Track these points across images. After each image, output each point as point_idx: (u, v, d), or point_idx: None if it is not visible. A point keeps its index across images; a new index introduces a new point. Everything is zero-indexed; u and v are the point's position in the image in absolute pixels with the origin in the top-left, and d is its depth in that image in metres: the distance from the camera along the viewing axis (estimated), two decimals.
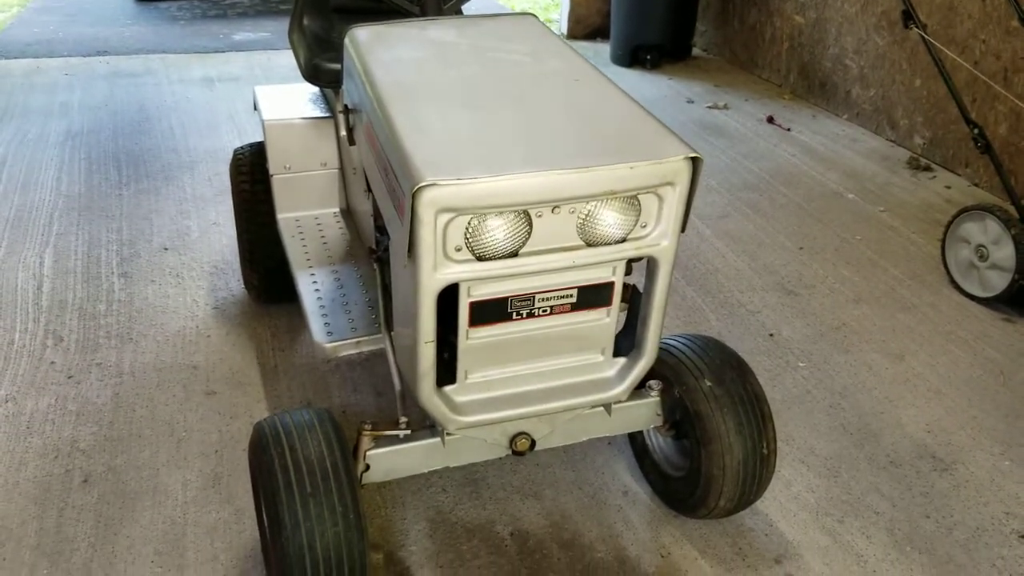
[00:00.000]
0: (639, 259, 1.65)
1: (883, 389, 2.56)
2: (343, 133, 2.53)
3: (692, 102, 4.97)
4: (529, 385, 1.73)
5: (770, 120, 4.70)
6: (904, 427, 2.40)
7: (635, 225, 1.58)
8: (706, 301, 2.99)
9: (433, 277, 1.50)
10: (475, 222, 1.48)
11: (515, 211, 1.49)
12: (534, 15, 2.12)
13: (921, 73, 4.17)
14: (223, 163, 3.94)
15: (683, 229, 1.61)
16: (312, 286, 2.24)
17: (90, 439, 2.30)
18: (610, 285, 1.66)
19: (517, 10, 6.24)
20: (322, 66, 2.42)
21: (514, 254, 1.53)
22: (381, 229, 2.21)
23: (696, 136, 4.46)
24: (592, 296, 1.66)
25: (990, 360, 2.71)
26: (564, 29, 6.16)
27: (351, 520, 1.61)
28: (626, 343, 1.78)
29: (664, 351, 1.96)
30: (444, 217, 1.45)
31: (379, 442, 1.80)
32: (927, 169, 4.09)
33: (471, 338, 1.63)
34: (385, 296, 2.05)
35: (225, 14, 6.70)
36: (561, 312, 1.65)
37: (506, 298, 1.60)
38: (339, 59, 2.43)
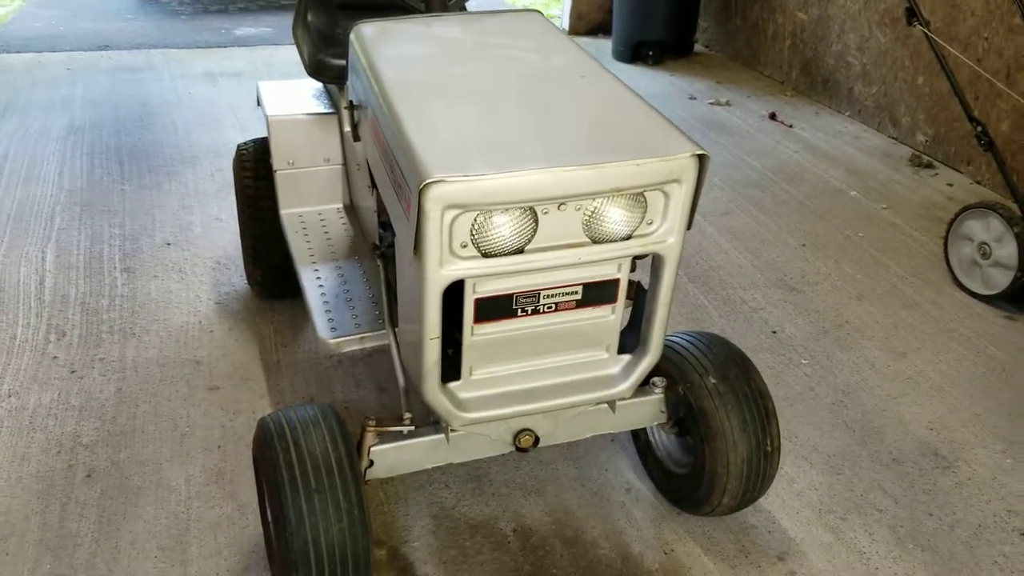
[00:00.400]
0: (644, 256, 1.65)
1: (886, 386, 2.56)
2: (347, 129, 2.53)
3: (694, 98, 4.97)
4: (534, 382, 1.73)
5: (772, 117, 4.69)
6: (907, 424, 2.41)
7: (641, 222, 1.58)
8: (709, 298, 2.99)
9: (439, 273, 1.50)
10: (481, 218, 1.48)
11: (521, 208, 1.49)
12: (539, 11, 2.12)
13: (924, 70, 4.17)
14: (225, 158, 3.94)
15: (689, 226, 1.61)
16: (316, 282, 2.24)
17: (93, 434, 2.30)
18: (615, 282, 1.66)
19: (521, 6, 6.23)
20: (326, 62, 2.41)
21: (520, 251, 1.53)
22: (385, 225, 2.20)
23: (698, 133, 4.46)
24: (597, 293, 1.66)
25: (992, 358, 2.71)
26: (566, 25, 6.15)
27: (355, 516, 1.61)
28: (631, 340, 1.78)
29: (668, 348, 1.96)
30: (451, 213, 1.44)
31: (383, 438, 1.80)
32: (929, 166, 4.09)
33: (476, 334, 1.63)
34: (389, 292, 2.05)
35: (227, 9, 6.69)
36: (566, 309, 1.65)
37: (511, 295, 1.60)
38: (343, 55, 2.42)
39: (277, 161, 2.53)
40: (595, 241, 1.57)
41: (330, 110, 2.59)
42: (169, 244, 3.25)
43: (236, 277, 3.03)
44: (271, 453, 1.67)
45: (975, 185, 3.89)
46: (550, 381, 1.74)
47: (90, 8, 6.62)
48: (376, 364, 2.59)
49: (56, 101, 4.69)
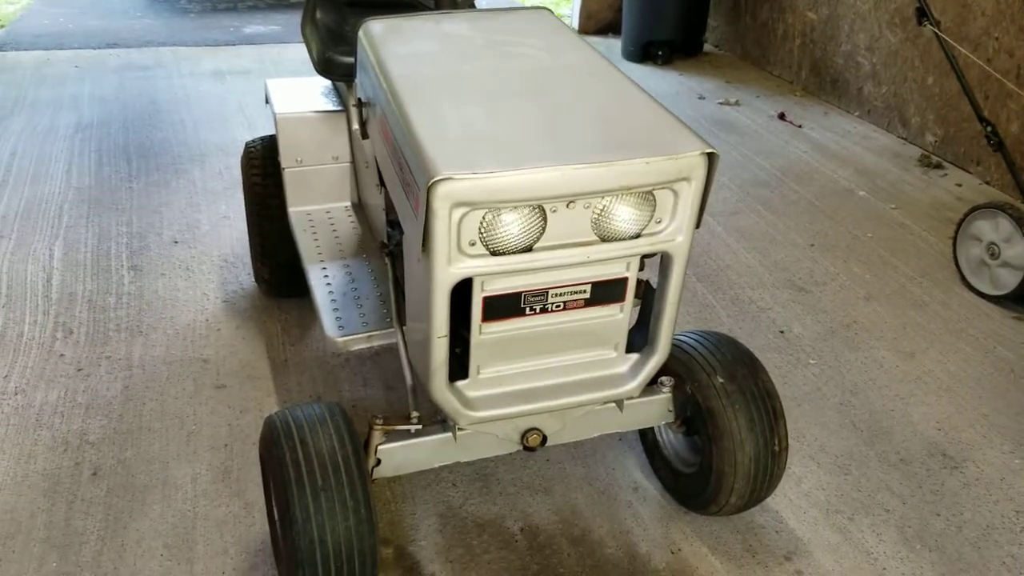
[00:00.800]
0: (653, 255, 1.64)
1: (894, 387, 2.55)
2: (356, 127, 2.53)
3: (703, 98, 4.95)
4: (541, 381, 1.73)
5: (781, 117, 4.68)
6: (915, 425, 2.39)
7: (650, 221, 1.57)
8: (717, 297, 2.98)
9: (447, 271, 1.49)
10: (490, 216, 1.47)
11: (530, 206, 1.48)
12: (548, 9, 2.11)
13: (933, 70, 4.15)
14: (233, 156, 3.94)
15: (698, 225, 1.60)
16: (324, 280, 2.24)
17: (99, 432, 2.30)
18: (623, 281, 1.65)
19: (531, 4, 6.21)
20: (335, 59, 2.41)
21: (528, 249, 1.53)
22: (393, 223, 2.20)
23: (707, 132, 4.44)
24: (605, 292, 1.65)
25: (1001, 358, 2.69)
26: (575, 24, 6.14)
27: (362, 515, 1.61)
28: (639, 339, 1.77)
29: (676, 347, 1.95)
30: (459, 211, 1.44)
31: (390, 437, 1.80)
32: (938, 167, 4.07)
33: (484, 333, 1.62)
34: (397, 290, 2.04)
35: (235, 7, 6.70)
36: (574, 308, 1.65)
37: (519, 293, 1.60)
38: (352, 52, 2.42)
39: (285, 159, 2.53)
40: (604, 239, 1.56)
41: (338, 108, 2.59)
42: (177, 242, 3.25)
43: (244, 275, 3.03)
44: (278, 452, 1.67)
45: (984, 185, 3.87)
46: (558, 380, 1.74)
47: (98, 6, 6.63)
48: (383, 362, 2.58)
49: (64, 99, 4.70)
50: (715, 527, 2.02)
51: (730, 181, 3.87)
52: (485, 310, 1.59)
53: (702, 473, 1.95)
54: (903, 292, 3.04)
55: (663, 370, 1.83)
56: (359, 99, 2.04)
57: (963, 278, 3.08)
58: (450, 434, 1.81)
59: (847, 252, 3.31)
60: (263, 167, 2.67)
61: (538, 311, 1.63)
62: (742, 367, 1.93)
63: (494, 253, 1.51)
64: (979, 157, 3.94)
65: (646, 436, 2.18)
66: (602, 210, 1.53)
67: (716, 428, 1.87)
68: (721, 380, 1.89)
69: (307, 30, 2.62)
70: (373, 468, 1.79)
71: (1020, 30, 3.64)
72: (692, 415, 1.96)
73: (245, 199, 2.83)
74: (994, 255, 2.95)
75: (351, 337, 2.03)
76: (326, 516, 1.59)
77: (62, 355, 2.61)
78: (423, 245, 1.48)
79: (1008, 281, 2.91)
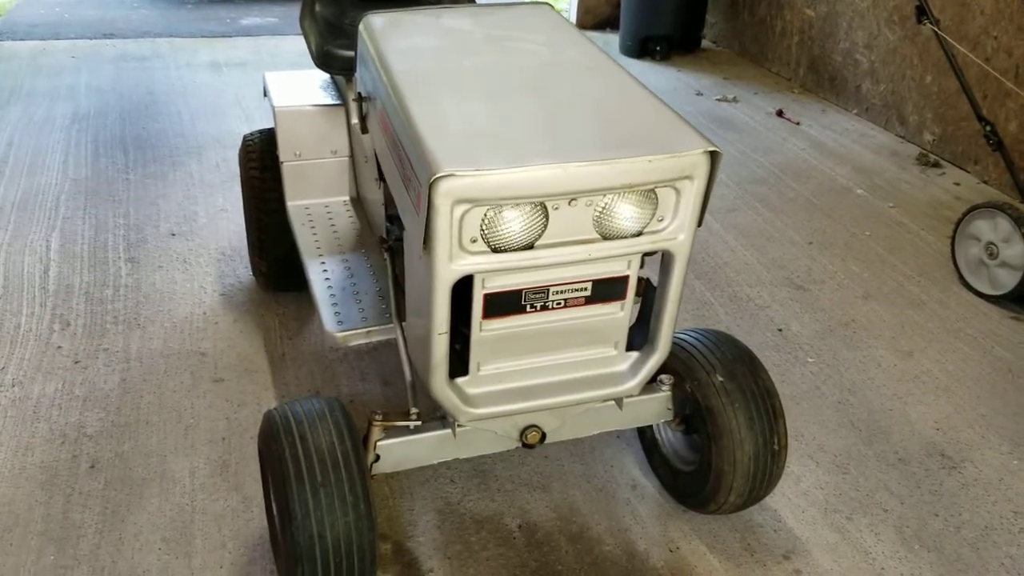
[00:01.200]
0: (654, 253, 1.64)
1: (892, 386, 2.55)
2: (355, 121, 2.52)
3: (701, 94, 4.95)
4: (541, 378, 1.73)
5: (779, 114, 4.68)
6: (913, 424, 2.40)
7: (652, 219, 1.57)
8: (715, 295, 2.98)
9: (448, 268, 1.49)
10: (491, 213, 1.47)
11: (532, 203, 1.48)
12: (549, 4, 2.11)
13: (932, 69, 4.15)
14: (230, 149, 3.93)
15: (700, 223, 1.60)
16: (322, 275, 2.24)
17: (97, 425, 2.30)
18: (624, 279, 1.65)
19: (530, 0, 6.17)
20: (334, 53, 2.40)
21: (530, 246, 1.52)
22: (392, 218, 2.20)
23: (705, 129, 4.44)
24: (606, 290, 1.65)
25: (999, 359, 2.70)
26: (573, 19, 6.13)
27: (361, 511, 1.61)
28: (639, 337, 1.77)
29: (675, 345, 1.95)
30: (461, 208, 1.44)
31: (389, 433, 1.79)
32: (936, 165, 4.07)
33: (484, 330, 1.62)
34: (396, 286, 2.04)
35: None
36: (575, 305, 1.65)
37: (520, 290, 1.59)
38: (351, 46, 2.41)
39: (284, 152, 2.52)
40: (605, 237, 1.56)
41: (337, 102, 2.58)
42: (174, 235, 3.24)
43: (241, 268, 3.02)
44: (277, 447, 1.67)
45: (982, 185, 3.87)
46: (558, 378, 1.74)
47: None
48: (381, 358, 2.58)
49: (61, 89, 4.67)
50: (713, 525, 2.03)
51: (728, 178, 3.87)
52: (486, 307, 1.59)
53: (701, 471, 1.95)
54: (901, 291, 3.05)
55: (662, 368, 1.83)
56: (359, 93, 2.03)
57: (961, 277, 3.08)
58: (449, 431, 1.81)
59: (845, 250, 3.31)
60: (261, 160, 2.66)
61: (539, 308, 1.63)
62: (742, 365, 1.93)
63: (495, 250, 1.51)
64: (977, 156, 3.95)
65: (644, 434, 2.18)
66: (604, 208, 1.53)
67: (716, 427, 1.87)
68: (721, 379, 1.89)
69: (306, 23, 2.61)
70: (372, 464, 1.79)
71: (1019, 29, 3.64)
72: (691, 413, 1.96)
73: (243, 192, 2.82)
74: (992, 255, 2.95)
75: (350, 332, 2.02)
76: (325, 512, 1.59)
77: (59, 347, 2.60)
78: (424, 242, 1.47)
79: (1006, 281, 2.91)
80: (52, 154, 3.88)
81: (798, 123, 4.57)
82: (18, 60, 5.11)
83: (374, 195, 2.31)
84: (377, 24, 1.97)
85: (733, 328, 2.76)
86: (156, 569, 1.89)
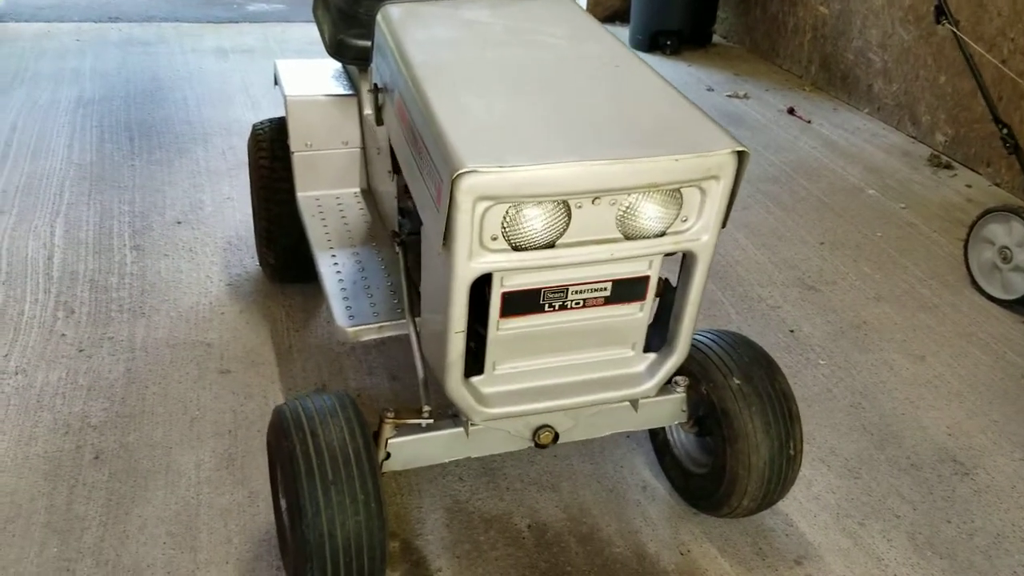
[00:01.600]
0: (675, 253, 1.61)
1: (904, 390, 2.53)
2: (368, 112, 2.49)
3: (712, 90, 4.91)
4: (557, 378, 1.70)
5: (791, 111, 4.64)
6: (925, 429, 2.37)
7: (676, 219, 1.54)
8: (726, 294, 2.95)
9: (467, 266, 1.46)
10: (513, 211, 1.44)
11: (555, 201, 1.45)
12: None
13: (947, 69, 4.12)
14: (236, 136, 3.89)
15: (724, 224, 1.57)
16: (333, 268, 2.20)
17: (101, 415, 2.27)
18: (645, 279, 1.62)
19: None
20: (347, 42, 2.37)
21: (551, 245, 1.49)
22: (404, 212, 2.17)
23: None
24: (626, 290, 1.62)
25: (1011, 364, 2.67)
26: None
27: (372, 509, 1.58)
28: (656, 338, 1.74)
29: (691, 347, 1.92)
30: (482, 205, 1.41)
31: (401, 430, 1.77)
32: (948, 167, 4.04)
33: (501, 329, 1.59)
34: (408, 281, 2.01)
35: None
36: (594, 305, 1.62)
37: (539, 289, 1.56)
38: (365, 35, 2.38)
39: (295, 142, 2.49)
40: (628, 237, 1.53)
41: (349, 91, 2.54)
42: (180, 223, 3.20)
43: (247, 258, 2.99)
44: (288, 443, 1.64)
45: (994, 187, 3.84)
46: (574, 378, 1.71)
47: None
48: (389, 352, 2.55)
49: (65, 72, 4.63)
50: (724, 529, 2.00)
51: None
52: (503, 306, 1.56)
53: (714, 474, 1.93)
54: (913, 294, 3.02)
55: (678, 370, 1.80)
56: (375, 84, 2.00)
57: (973, 281, 3.06)
58: (461, 429, 1.78)
59: (856, 251, 3.28)
60: (271, 150, 2.63)
61: (557, 308, 1.60)
62: (758, 368, 1.90)
63: (516, 248, 1.48)
64: (989, 158, 3.92)
65: (656, 435, 2.16)
66: (628, 207, 1.50)
67: (731, 430, 1.85)
68: (737, 381, 1.86)
69: (319, 12, 2.57)
70: (382, 461, 1.76)
71: None
72: (705, 415, 1.93)
73: (252, 182, 2.79)
74: (1006, 259, 2.92)
75: (361, 327, 1.99)
76: (336, 510, 1.56)
77: (63, 335, 2.57)
78: (444, 238, 1.44)
79: (1020, 286, 2.89)
80: (57, 139, 3.84)
81: (809, 121, 4.54)
82: (22, 42, 5.07)
83: (386, 187, 2.28)
84: (395, 15, 1.93)
85: (745, 328, 2.74)
86: (161, 563, 1.86)
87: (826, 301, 2.95)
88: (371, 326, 2.00)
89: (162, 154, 3.74)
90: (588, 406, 1.74)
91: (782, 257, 3.20)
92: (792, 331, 2.78)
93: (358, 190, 2.58)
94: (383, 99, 1.99)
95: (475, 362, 1.65)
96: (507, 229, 1.46)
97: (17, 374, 2.40)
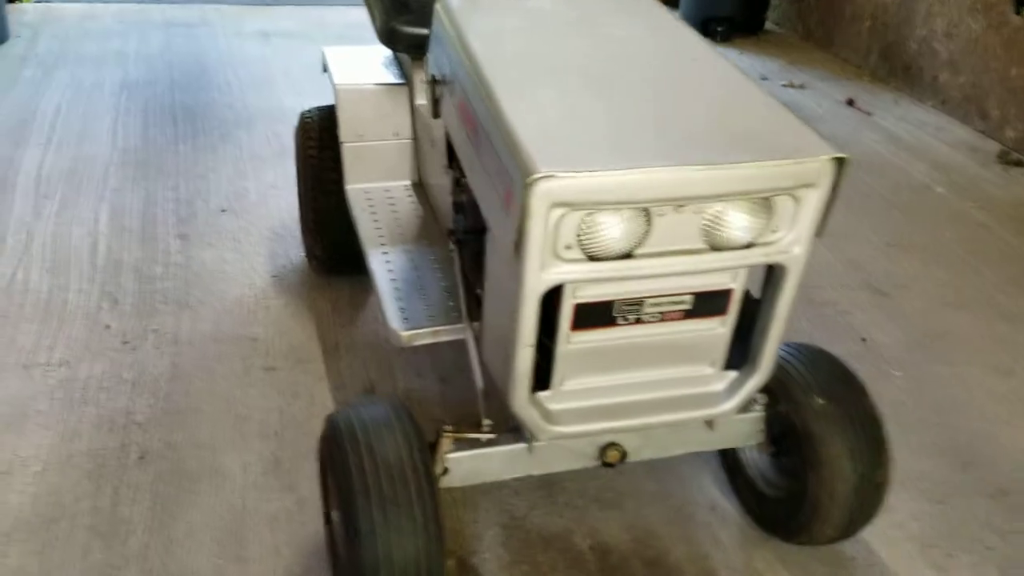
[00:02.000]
0: (765, 266, 1.49)
1: (989, 407, 2.38)
2: (420, 102, 2.38)
3: (766, 79, 4.74)
4: (629, 395, 1.59)
5: (850, 103, 4.46)
6: (1013, 452, 2.23)
7: (765, 229, 1.42)
8: None
9: (539, 277, 1.35)
10: (590, 219, 1.33)
11: (635, 208, 1.34)
12: None
13: (1019, 61, 3.92)
14: (280, 122, 3.81)
15: (819, 235, 1.45)
16: (385, 266, 2.11)
17: (147, 411, 2.20)
18: (728, 293, 1.51)
19: None
20: (400, 30, 2.27)
21: (629, 255, 1.38)
22: (459, 207, 2.06)
23: None
24: (708, 303, 1.50)
25: None
26: None
27: (431, 531, 1.49)
28: (737, 355, 1.62)
29: None
30: (557, 212, 1.30)
31: (459, 445, 1.67)
32: (1019, 164, 3.86)
33: (572, 343, 1.49)
34: (465, 282, 1.91)
35: None
36: (672, 319, 1.50)
37: (613, 301, 1.45)
38: (418, 22, 2.28)
39: (344, 133, 2.39)
40: (713, 248, 1.41)
41: (401, 80, 2.44)
42: (224, 211, 3.13)
43: (292, 249, 2.91)
44: (342, 457, 1.55)
45: None
46: (647, 396, 1.60)
47: None
48: (438, 352, 2.43)
49: (109, 55, 4.58)
50: (801, 556, 1.88)
51: None
52: (575, 318, 1.46)
53: (792, 499, 1.81)
54: (990, 301, 2.86)
55: None
56: (432, 76, 1.89)
57: None
58: (524, 445, 1.68)
59: (926, 253, 3.12)
60: (319, 139, 2.54)
61: (632, 321, 1.49)
62: (843, 387, 1.78)
63: (591, 258, 1.37)
64: None
65: (726, 453, 2.04)
66: (714, 216, 1.38)
67: (814, 455, 1.73)
68: (821, 401, 1.74)
69: None
70: (439, 477, 1.67)
71: None
72: (785, 436, 1.81)
73: (299, 172, 2.70)
74: None
75: (416, 331, 1.89)
76: (393, 531, 1.47)
77: (108, 326, 2.51)
78: (515, 247, 1.33)
79: None
80: (101, 122, 3.78)
81: (870, 113, 4.36)
82: (66, 23, 5.02)
83: (441, 181, 2.17)
84: (455, 2, 1.82)
85: (815, 337, 2.59)
86: (208, 574, 1.79)
87: (898, 307, 2.81)
88: (426, 330, 1.90)
89: (206, 139, 3.66)
90: (661, 426, 1.63)
91: (848, 258, 3.05)
92: (864, 340, 2.64)
93: (409, 183, 2.48)
94: (440, 91, 1.88)
95: (541, 376, 1.54)
96: (582, 238, 1.35)
97: (61, 366, 2.34)
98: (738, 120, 1.45)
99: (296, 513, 1.93)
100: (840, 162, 1.37)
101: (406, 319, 1.91)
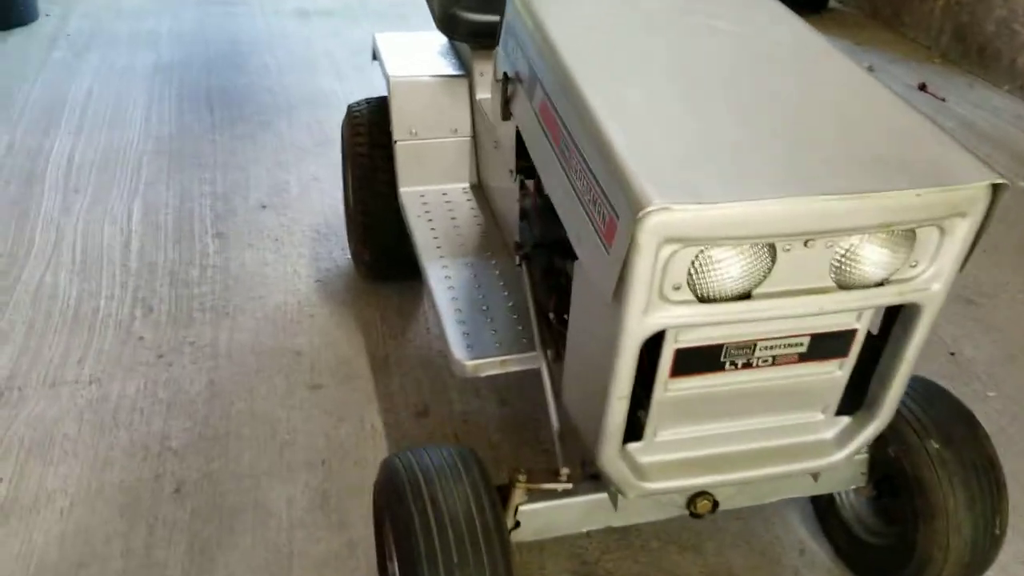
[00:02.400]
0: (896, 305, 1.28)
1: None
2: (480, 96, 2.19)
3: None
4: (728, 446, 1.40)
5: (922, 88, 4.18)
6: None
7: (904, 264, 1.21)
8: None
9: (642, 322, 1.16)
10: (705, 255, 1.13)
11: (759, 243, 1.13)
12: None
13: None
14: (322, 108, 3.63)
15: (961, 269, 1.24)
16: (445, 282, 1.92)
17: (183, 436, 2.04)
18: (852, 333, 1.30)
19: None
20: (460, 16, 2.07)
21: (746, 295, 1.18)
22: (525, 215, 1.86)
23: None
24: (827, 345, 1.30)
25: None
26: None
27: None
28: (850, 398, 1.42)
29: None
30: (669, 249, 1.10)
31: (533, 496, 1.48)
32: None
33: (670, 390, 1.29)
34: (537, 306, 1.71)
35: None
36: (786, 363, 1.30)
37: (722, 345, 1.25)
38: (480, 8, 2.09)
39: (398, 130, 2.20)
40: (842, 286, 1.21)
41: (459, 72, 2.24)
42: (264, 207, 2.95)
43: (337, 250, 2.73)
44: (403, 511, 1.37)
45: None
46: (748, 446, 1.40)
47: None
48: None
49: (142, 34, 4.41)
50: None
51: None
52: (676, 363, 1.26)
53: (896, 549, 1.61)
54: None
55: None
56: (504, 73, 1.69)
57: None
58: (605, 495, 1.49)
59: (1017, 256, 2.88)
60: (369, 135, 2.34)
61: (740, 366, 1.29)
62: (960, 429, 1.57)
63: (702, 299, 1.17)
64: None
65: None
66: (847, 251, 1.18)
67: (927, 504, 1.53)
68: (936, 445, 1.54)
69: None
70: (510, 531, 1.49)
71: None
72: (888, 478, 1.61)
73: (345, 170, 2.52)
74: None
75: (482, 361, 1.70)
76: None
77: (141, 337, 2.35)
78: (616, 287, 1.14)
79: None
80: (134, 108, 3.62)
81: (944, 99, 4.08)
82: (97, 1, 4.85)
83: (505, 186, 1.98)
84: None
85: None
86: None
87: (988, 317, 2.57)
88: (493, 360, 1.71)
89: (244, 127, 3.49)
90: (764, 480, 1.43)
91: None
92: (952, 354, 2.41)
93: (467, 185, 2.29)
94: (513, 90, 1.68)
95: (631, 426, 1.35)
96: (694, 277, 1.15)
97: (91, 383, 2.19)
98: (877, 136, 1.24)
99: (347, 558, 1.76)
100: (996, 188, 1.15)
101: (470, 346, 1.72)
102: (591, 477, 1.51)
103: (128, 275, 2.58)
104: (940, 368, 2.35)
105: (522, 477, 1.47)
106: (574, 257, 1.35)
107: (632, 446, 1.36)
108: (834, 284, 1.21)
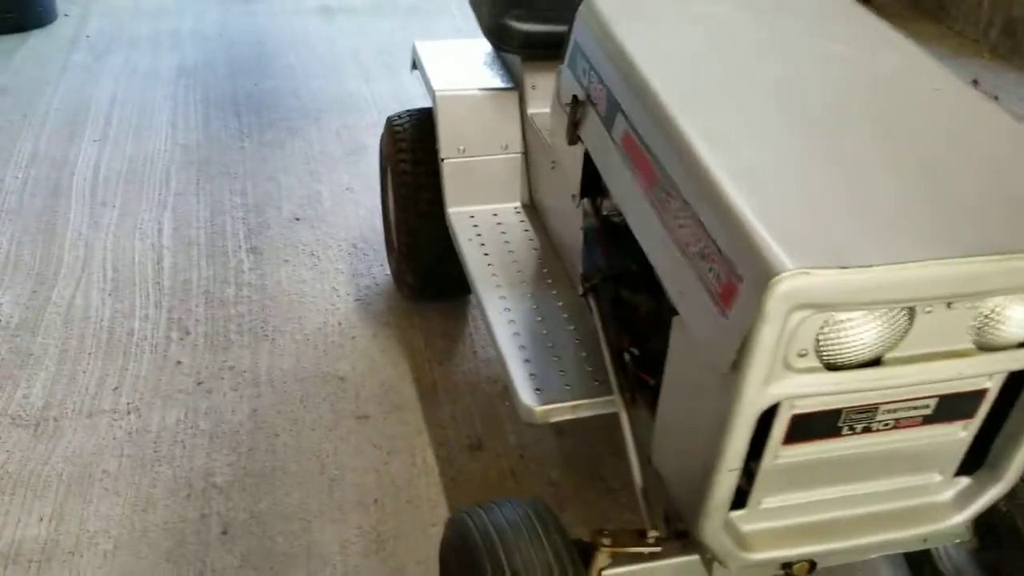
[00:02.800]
0: None
1: None
2: (532, 111, 2.07)
3: None
4: (836, 511, 1.28)
5: (974, 84, 4.02)
6: None
7: None
8: None
9: (763, 393, 1.04)
10: (836, 319, 1.01)
11: (898, 307, 1.01)
12: None
13: None
14: (350, 112, 3.51)
15: None
16: (505, 315, 1.80)
17: (227, 472, 1.94)
18: (981, 394, 1.18)
19: None
20: (511, 27, 1.96)
21: (877, 360, 1.06)
22: (587, 239, 1.74)
23: None
24: (954, 407, 1.18)
25: None
26: None
27: None
28: (970, 456, 1.30)
29: None
30: (799, 315, 0.98)
31: (618, 559, 1.37)
32: None
33: (781, 457, 1.17)
34: (609, 344, 1.59)
35: None
36: (908, 427, 1.18)
37: (841, 410, 1.14)
38: (532, 17, 1.99)
39: (445, 147, 2.08)
40: (981, 348, 1.09)
41: (509, 84, 2.12)
42: (298, 219, 2.84)
43: (376, 266, 2.62)
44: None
45: None
46: (858, 511, 1.28)
47: None
48: None
49: (163, 35, 4.29)
50: None
51: None
52: (791, 430, 1.14)
53: None
54: None
55: None
56: (573, 96, 1.56)
57: None
58: (696, 557, 1.38)
59: None
60: (412, 152, 2.22)
61: (859, 431, 1.17)
62: None
63: (829, 367, 1.05)
64: None
65: None
66: (991, 312, 1.06)
67: None
68: None
69: None
70: None
71: None
72: (992, 529, 1.49)
73: (385, 188, 2.41)
74: None
75: (552, 407, 1.58)
76: None
77: (179, 362, 2.24)
78: (735, 358, 1.02)
79: None
80: (159, 114, 3.50)
81: (996, 97, 3.92)
82: (117, 1, 4.73)
83: (561, 205, 1.86)
84: (607, 7, 1.49)
85: None
86: None
87: None
88: (564, 405, 1.59)
89: (273, 134, 3.37)
90: (876, 550, 1.32)
91: None
92: None
93: (519, 204, 2.17)
94: (582, 113, 1.55)
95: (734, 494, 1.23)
96: (823, 342, 1.03)
97: (130, 414, 2.08)
98: (1020, 179, 1.11)
99: None
100: None
101: (539, 390, 1.60)
102: (679, 536, 1.40)
103: (161, 294, 2.48)
104: None
105: (607, 540, 1.36)
106: (649, 290, 1.23)
107: (735, 514, 1.25)
108: (973, 346, 1.09)
